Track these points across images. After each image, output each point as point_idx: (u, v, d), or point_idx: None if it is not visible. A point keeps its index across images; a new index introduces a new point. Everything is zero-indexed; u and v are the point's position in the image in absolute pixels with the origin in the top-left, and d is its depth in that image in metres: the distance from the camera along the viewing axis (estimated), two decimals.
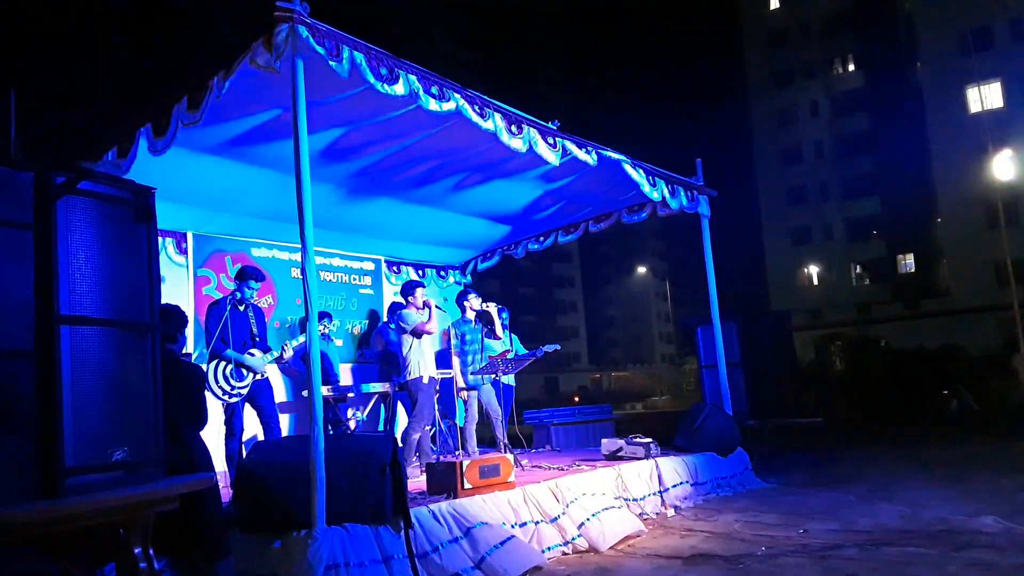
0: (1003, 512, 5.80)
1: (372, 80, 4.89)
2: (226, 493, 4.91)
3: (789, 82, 48.36)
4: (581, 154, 6.86)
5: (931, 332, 33.52)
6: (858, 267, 47.17)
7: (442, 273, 10.80)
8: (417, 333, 7.32)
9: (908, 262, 45.91)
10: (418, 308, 7.47)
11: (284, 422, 7.48)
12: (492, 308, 8.07)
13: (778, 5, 49.69)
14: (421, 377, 7.25)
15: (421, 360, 7.30)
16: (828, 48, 47.81)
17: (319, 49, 4.58)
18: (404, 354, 7.36)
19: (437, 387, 7.66)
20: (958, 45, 36.76)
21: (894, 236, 44.61)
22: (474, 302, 8.00)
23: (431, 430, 7.47)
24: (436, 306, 7.57)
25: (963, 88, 36.99)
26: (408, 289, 7.65)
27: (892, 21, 44.28)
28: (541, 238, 10.15)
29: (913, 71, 41.94)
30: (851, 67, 47.99)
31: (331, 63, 4.66)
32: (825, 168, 47.00)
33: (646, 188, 7.87)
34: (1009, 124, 33.73)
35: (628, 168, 7.57)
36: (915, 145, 40.33)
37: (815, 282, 47.38)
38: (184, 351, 6.19)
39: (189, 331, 7.31)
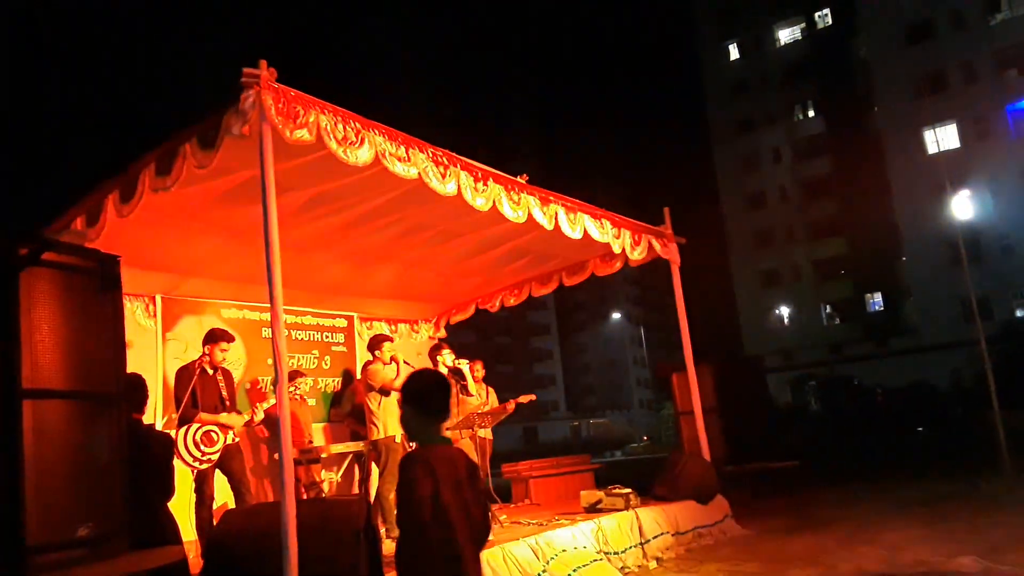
0: (981, 551, 5.81)
1: (336, 148, 4.92)
2: (196, 564, 4.78)
3: (752, 129, 49.50)
4: (539, 217, 6.89)
5: (902, 369, 33.95)
6: (828, 307, 47.77)
7: (415, 328, 10.74)
8: (385, 390, 7.08)
9: (876, 300, 46.60)
10: (385, 363, 7.22)
11: (256, 487, 7.33)
12: (464, 365, 8.02)
13: (738, 56, 51.07)
14: (393, 436, 7.04)
15: (391, 418, 7.05)
16: (788, 95, 49.11)
17: (277, 120, 4.58)
18: (374, 411, 7.14)
19: (410, 444, 7.53)
20: (913, 89, 37.97)
21: (861, 276, 45.35)
22: (447, 358, 7.93)
23: None
24: (404, 361, 7.34)
25: (920, 131, 38.08)
26: (375, 343, 7.42)
27: (849, 68, 45.66)
28: (515, 291, 10.14)
29: (871, 115, 43.12)
30: (811, 113, 49.26)
31: (296, 134, 4.68)
32: (790, 211, 47.86)
33: (614, 241, 7.95)
34: (966, 164, 34.68)
35: (592, 231, 7.63)
36: (877, 186, 41.28)
37: (786, 323, 47.85)
38: (148, 419, 6.09)
39: (158, 397, 7.20)
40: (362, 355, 9.47)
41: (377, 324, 10.19)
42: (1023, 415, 14.63)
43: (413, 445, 7.44)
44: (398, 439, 7.05)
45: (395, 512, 6.77)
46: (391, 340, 7.51)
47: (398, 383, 7.07)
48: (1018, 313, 36.29)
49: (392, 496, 6.90)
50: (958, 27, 39.27)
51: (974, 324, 12.57)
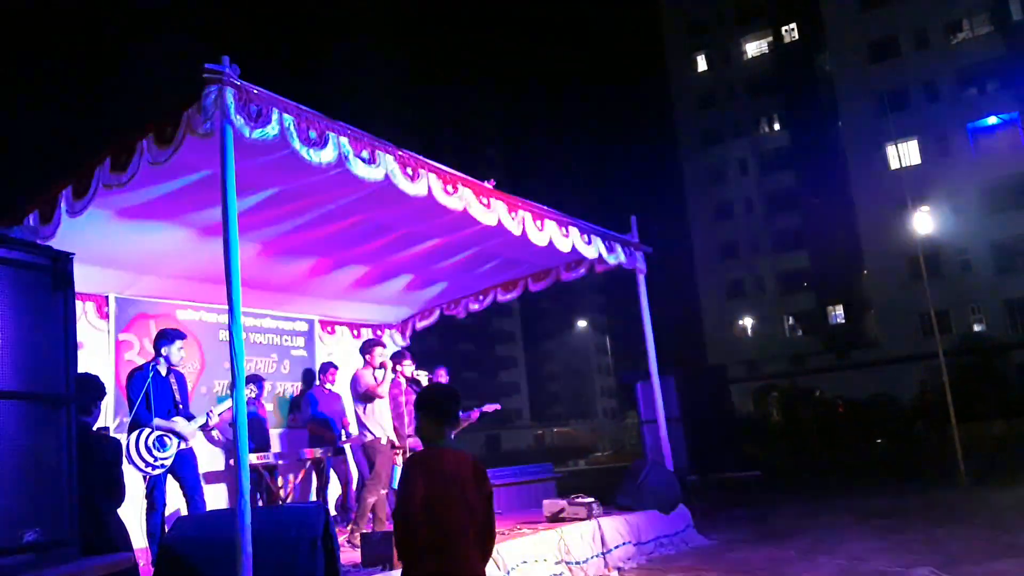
0: (938, 563, 5.86)
1: (299, 147, 4.83)
2: (147, 572, 4.65)
3: (718, 141, 49.95)
4: (508, 221, 6.85)
5: (862, 381, 34.47)
6: (790, 319, 48.29)
7: (378, 333, 10.61)
8: (368, 396, 7.00)
9: (838, 313, 47.21)
10: (375, 368, 7.12)
11: (212, 493, 7.16)
12: (424, 376, 7.94)
13: (705, 68, 51.58)
14: (379, 439, 6.94)
15: (380, 422, 6.98)
16: (754, 108, 49.65)
17: (238, 119, 4.48)
18: (362, 415, 7.02)
19: (403, 448, 7.40)
20: (876, 105, 38.60)
21: (823, 288, 45.94)
22: (407, 368, 7.84)
23: (385, 492, 7.21)
24: (391, 369, 7.27)
25: (882, 146, 38.71)
26: (366, 348, 7.32)
27: (814, 83, 46.31)
28: (480, 296, 10.07)
29: (835, 130, 43.79)
30: (776, 127, 49.88)
31: (256, 132, 4.57)
32: (755, 223, 48.37)
33: (581, 247, 7.94)
34: (926, 180, 35.34)
35: (558, 238, 7.61)
36: (840, 200, 41.90)
37: (750, 334, 48.29)
38: (102, 422, 5.92)
39: (110, 400, 7.00)
40: (321, 360, 9.30)
41: (340, 328, 10.06)
42: (980, 427, 14.89)
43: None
44: (384, 441, 6.95)
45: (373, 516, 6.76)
46: (383, 346, 7.45)
47: (381, 390, 7.02)
48: (976, 327, 37.03)
49: (371, 500, 6.84)
50: (921, 45, 40.07)
51: (933, 338, 12.77)
